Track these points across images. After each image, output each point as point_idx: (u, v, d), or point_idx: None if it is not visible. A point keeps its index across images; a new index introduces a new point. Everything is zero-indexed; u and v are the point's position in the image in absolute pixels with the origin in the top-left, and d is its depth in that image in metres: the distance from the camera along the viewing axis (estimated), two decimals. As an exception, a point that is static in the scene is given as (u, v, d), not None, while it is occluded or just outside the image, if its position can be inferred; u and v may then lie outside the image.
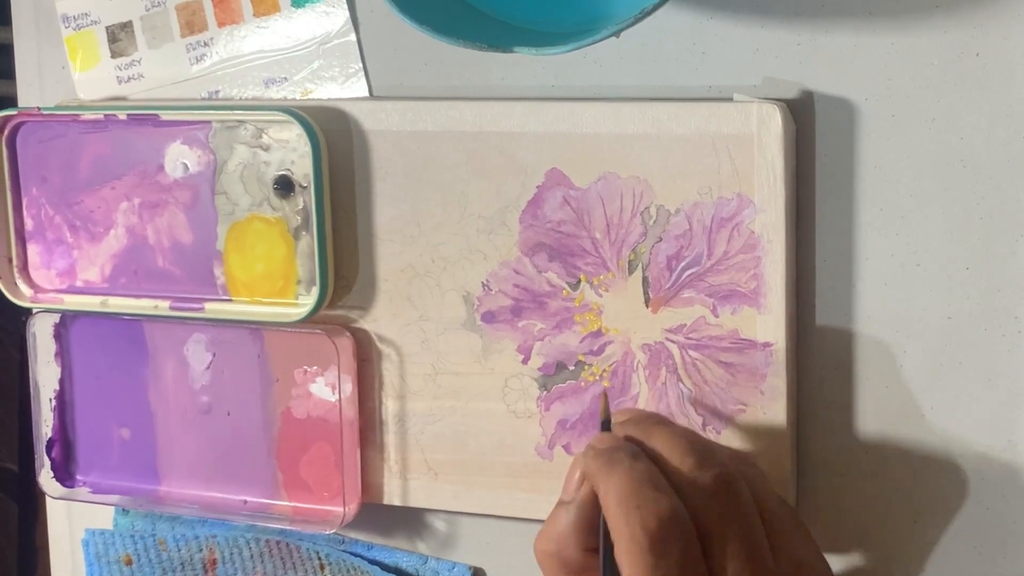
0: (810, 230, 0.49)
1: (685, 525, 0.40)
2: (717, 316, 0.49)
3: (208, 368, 0.58)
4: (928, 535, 0.49)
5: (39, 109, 0.57)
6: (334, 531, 0.55)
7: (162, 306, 0.57)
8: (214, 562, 0.59)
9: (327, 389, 0.55)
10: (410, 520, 0.57)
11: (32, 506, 0.79)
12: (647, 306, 0.50)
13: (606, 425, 0.46)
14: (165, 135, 0.56)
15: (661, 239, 0.49)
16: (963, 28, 0.46)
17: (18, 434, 0.78)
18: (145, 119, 0.56)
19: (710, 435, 0.50)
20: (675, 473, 0.42)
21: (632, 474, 0.41)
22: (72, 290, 0.59)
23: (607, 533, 0.42)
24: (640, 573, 0.40)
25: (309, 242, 0.54)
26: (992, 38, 0.46)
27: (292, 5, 0.55)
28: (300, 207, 0.54)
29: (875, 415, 0.49)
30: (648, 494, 0.41)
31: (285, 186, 0.54)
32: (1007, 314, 0.47)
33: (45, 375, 0.60)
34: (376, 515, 0.57)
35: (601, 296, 0.51)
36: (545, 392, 0.52)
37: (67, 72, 0.59)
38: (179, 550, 0.59)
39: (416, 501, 0.55)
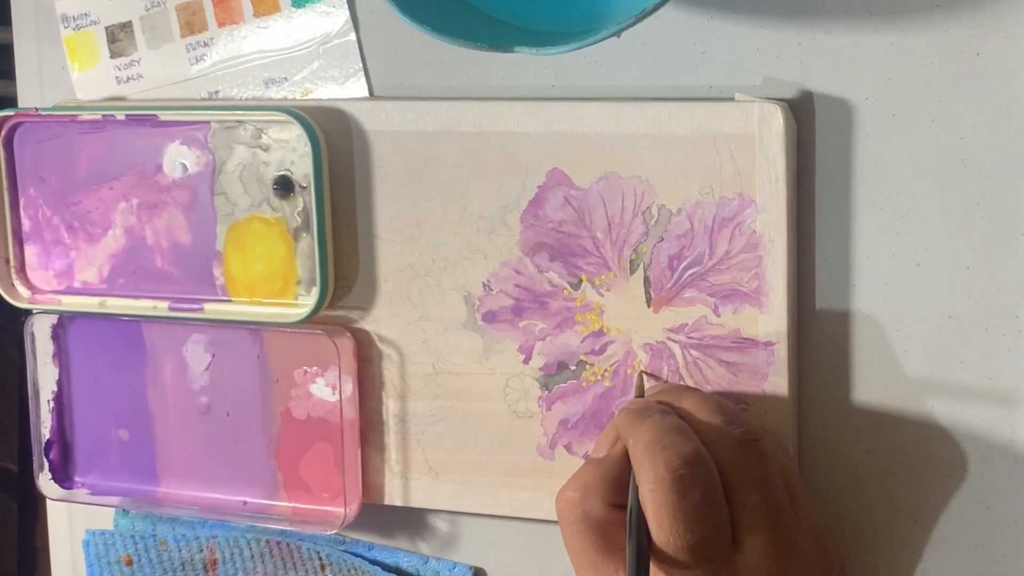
0: (810, 230, 0.49)
1: (708, 466, 0.42)
2: (719, 315, 0.49)
3: (207, 369, 0.58)
4: (928, 535, 0.49)
5: (37, 109, 0.57)
6: (335, 531, 0.55)
7: (161, 307, 0.57)
8: (215, 562, 0.59)
9: (327, 389, 0.55)
10: (411, 520, 0.57)
11: (32, 506, 0.79)
12: (648, 306, 0.50)
13: (639, 392, 0.50)
14: (164, 135, 0.56)
15: (662, 239, 0.49)
16: (963, 28, 0.46)
17: (18, 434, 0.77)
18: (143, 119, 0.56)
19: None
20: (703, 428, 0.44)
21: (661, 423, 0.44)
22: (70, 291, 0.59)
23: (635, 484, 0.43)
24: (663, 511, 0.41)
25: (309, 242, 0.54)
26: (993, 38, 0.46)
27: (292, 5, 0.55)
28: (300, 207, 0.54)
29: (876, 414, 0.49)
30: (674, 438, 0.43)
31: (285, 186, 0.54)
32: (1007, 313, 0.47)
33: (43, 376, 0.60)
34: (377, 515, 0.57)
35: (602, 296, 0.51)
36: (546, 392, 0.52)
37: (67, 72, 0.59)
38: (180, 550, 0.59)
39: (417, 501, 0.55)
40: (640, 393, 0.50)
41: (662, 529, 0.41)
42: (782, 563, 0.42)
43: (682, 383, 0.49)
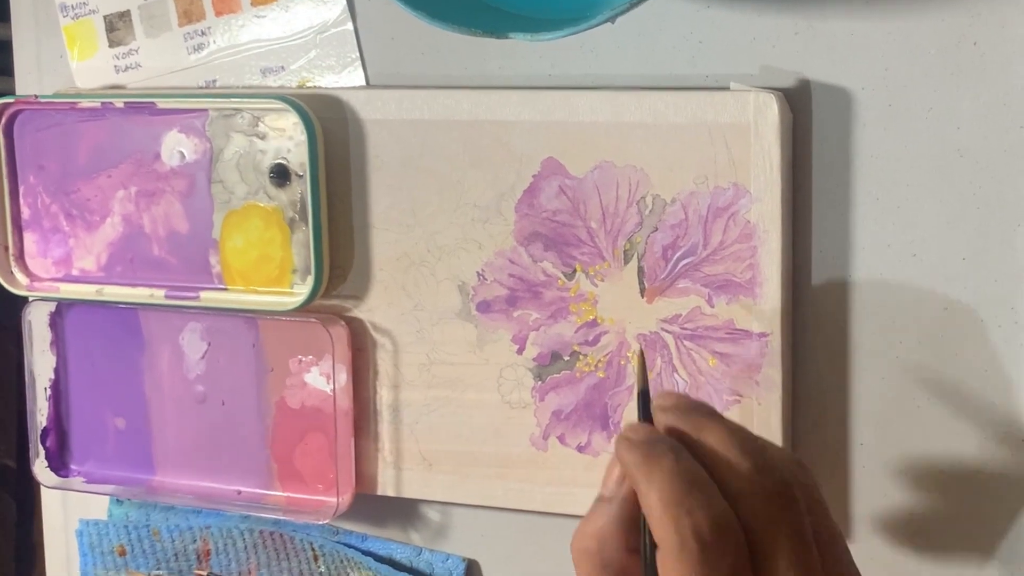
0: (806, 220, 0.49)
1: (737, 534, 0.37)
2: (712, 306, 0.49)
3: (203, 357, 0.58)
4: (924, 530, 0.49)
5: (36, 97, 0.57)
6: (328, 522, 0.55)
7: (158, 295, 0.57)
8: (208, 553, 0.59)
9: (322, 379, 0.55)
10: (404, 511, 0.57)
11: (30, 503, 0.79)
12: (642, 296, 0.50)
13: (644, 397, 0.42)
14: (162, 123, 0.56)
15: (657, 228, 0.49)
16: (960, 17, 0.46)
17: (16, 431, 0.77)
18: (142, 107, 0.56)
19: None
20: (727, 473, 0.39)
21: (677, 473, 0.38)
22: (68, 278, 0.59)
23: (648, 536, 0.39)
24: None
25: (305, 231, 0.54)
26: (989, 27, 0.45)
27: (289, -7, 0.55)
28: (296, 196, 0.54)
29: (871, 407, 0.49)
30: (698, 498, 0.37)
31: (281, 175, 0.54)
32: (1004, 305, 0.47)
33: (40, 364, 0.60)
34: (370, 506, 0.57)
35: (596, 286, 0.51)
36: (540, 382, 0.52)
37: (65, 61, 0.59)
38: (173, 540, 0.59)
39: (410, 492, 0.55)
40: (643, 387, 0.42)
41: None
42: None
43: (700, 403, 0.42)
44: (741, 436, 0.40)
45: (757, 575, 0.38)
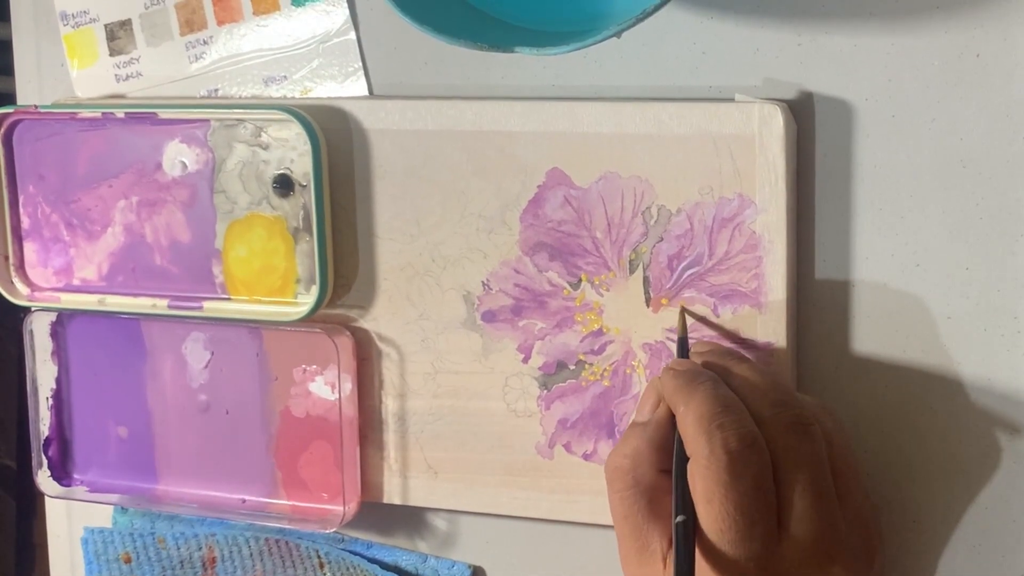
0: (810, 230, 0.49)
1: (763, 451, 0.42)
2: (718, 316, 0.49)
3: (206, 367, 0.58)
4: (928, 535, 0.49)
5: (36, 107, 0.57)
6: (333, 530, 0.55)
7: (160, 305, 0.57)
8: (213, 560, 0.59)
9: (326, 388, 0.55)
10: (410, 519, 0.57)
11: (30, 503, 0.79)
12: (648, 305, 0.50)
13: (683, 343, 0.48)
14: (163, 133, 0.56)
15: (662, 239, 0.49)
16: (963, 29, 0.46)
17: (17, 431, 0.77)
18: (143, 117, 0.56)
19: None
20: (756, 405, 0.43)
21: (713, 396, 0.43)
22: (69, 288, 0.59)
23: (680, 452, 0.43)
24: (715, 490, 0.41)
25: (309, 241, 0.54)
26: (992, 38, 0.46)
27: (292, 3, 0.55)
28: (299, 206, 0.54)
29: (874, 415, 0.49)
30: (729, 417, 0.42)
31: (284, 185, 0.54)
32: (1006, 314, 0.47)
33: (42, 374, 0.60)
34: (376, 514, 0.57)
35: (602, 295, 0.51)
36: (545, 391, 0.52)
37: (66, 70, 0.59)
38: (178, 548, 0.59)
39: (416, 500, 0.55)
40: (683, 335, 0.48)
41: (711, 506, 0.41)
42: (825, 552, 0.42)
43: (733, 349, 0.48)
44: (768, 376, 0.45)
45: (777, 495, 0.42)
